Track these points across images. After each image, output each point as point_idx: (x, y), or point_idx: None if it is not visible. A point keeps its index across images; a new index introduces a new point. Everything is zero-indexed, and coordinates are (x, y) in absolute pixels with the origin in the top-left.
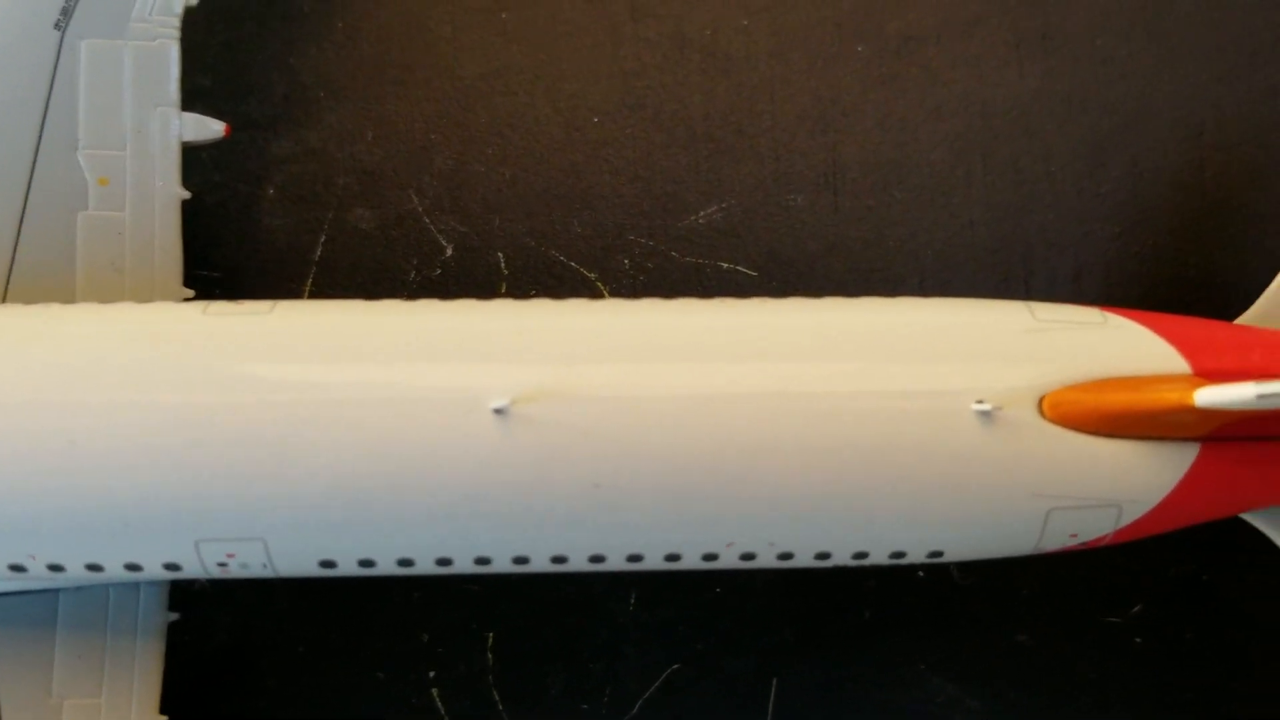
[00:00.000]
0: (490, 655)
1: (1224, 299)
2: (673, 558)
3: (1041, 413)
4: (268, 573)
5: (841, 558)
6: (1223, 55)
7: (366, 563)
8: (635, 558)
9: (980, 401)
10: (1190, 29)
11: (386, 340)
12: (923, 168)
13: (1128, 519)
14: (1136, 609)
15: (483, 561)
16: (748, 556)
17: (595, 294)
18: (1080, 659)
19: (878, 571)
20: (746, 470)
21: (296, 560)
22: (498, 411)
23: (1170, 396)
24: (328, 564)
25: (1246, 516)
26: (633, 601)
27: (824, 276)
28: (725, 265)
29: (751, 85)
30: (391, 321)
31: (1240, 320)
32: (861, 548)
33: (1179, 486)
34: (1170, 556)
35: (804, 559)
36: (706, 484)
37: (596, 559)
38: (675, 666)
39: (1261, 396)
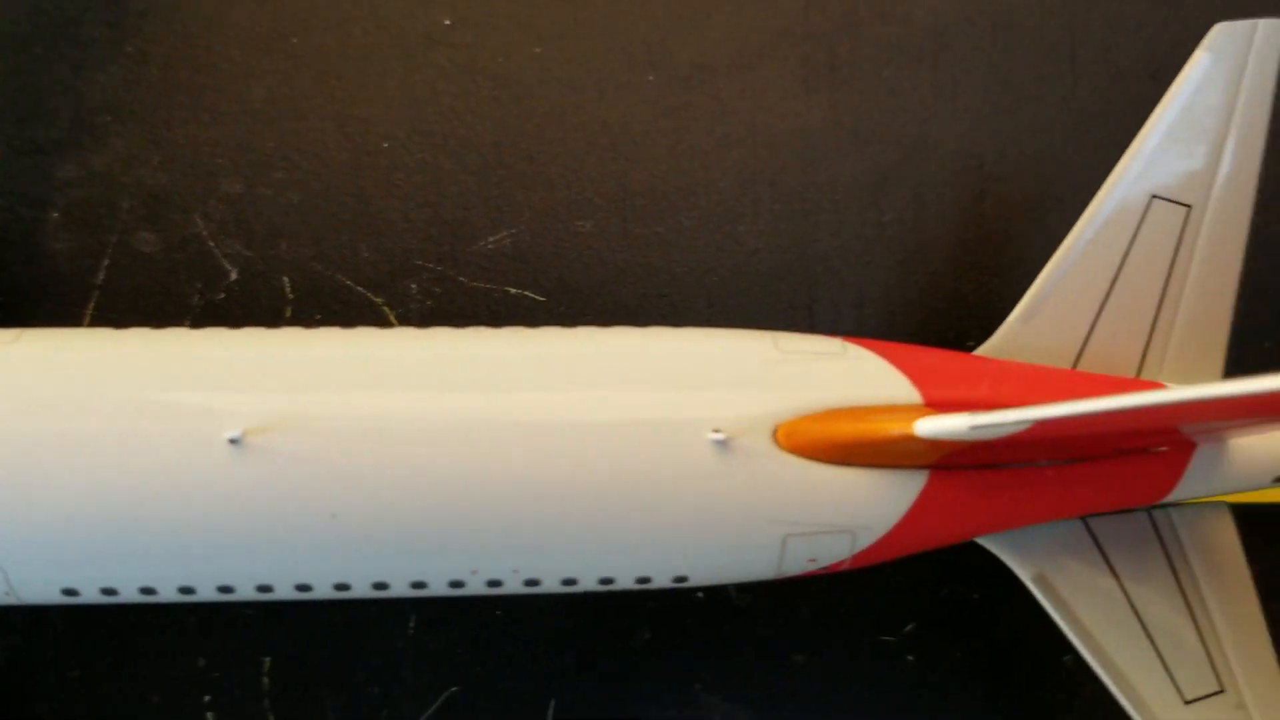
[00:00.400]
0: (267, 680)
1: (999, 324)
2: (419, 585)
3: (776, 441)
4: (11, 600)
5: (587, 583)
6: (1003, 90)
7: (109, 591)
8: (381, 585)
9: (716, 431)
10: (971, 64)
11: (131, 369)
12: (711, 195)
13: (862, 544)
14: (909, 627)
15: (262, 589)
16: (494, 583)
17: (382, 319)
18: (855, 677)
19: (659, 593)
20: (484, 499)
21: (38, 589)
22: (233, 441)
23: (894, 426)
24: (70, 592)
25: (982, 542)
26: (412, 625)
27: (613, 302)
28: (514, 291)
29: (542, 112)
30: (138, 350)
31: (978, 351)
32: (606, 574)
33: (909, 513)
34: (942, 577)
35: (550, 585)
36: (443, 512)
37: (342, 587)
38: (453, 689)
39: (974, 428)
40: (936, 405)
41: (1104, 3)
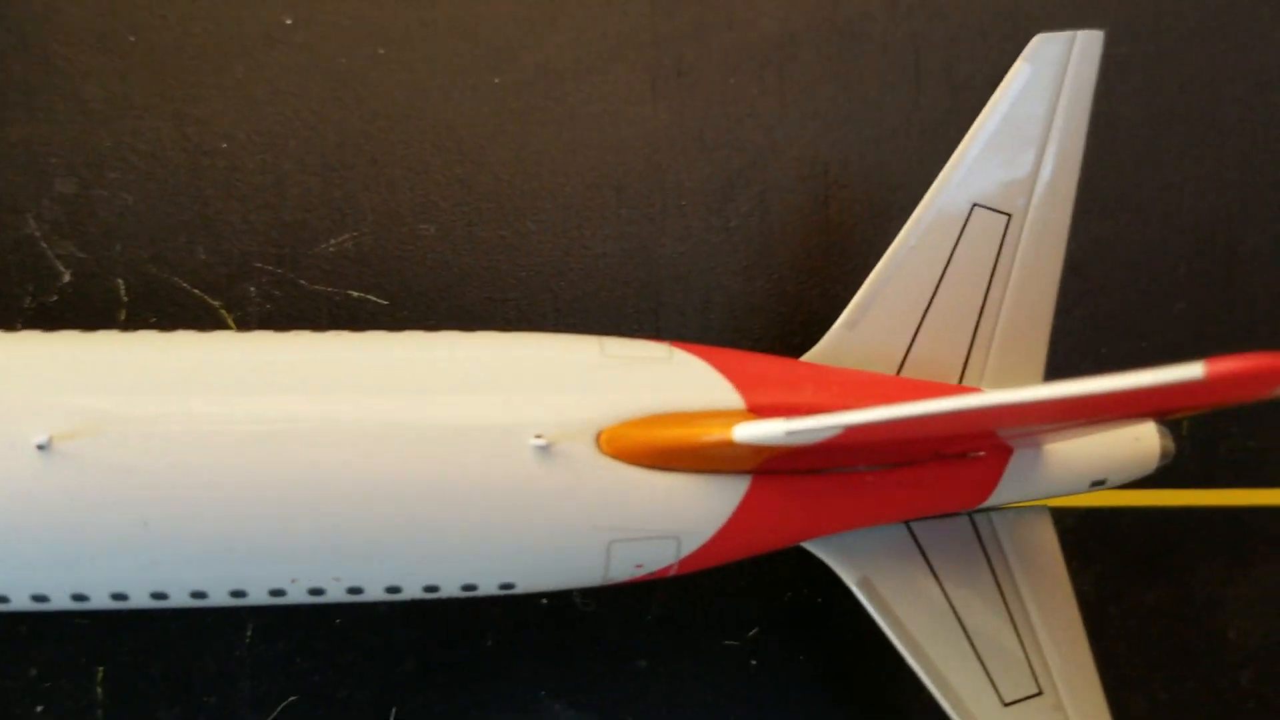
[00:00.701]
0: (100, 690)
1: None
2: (238, 594)
3: (599, 447)
4: None
5: (412, 591)
6: (848, 98)
7: None
8: (199, 594)
9: (538, 436)
10: (817, 72)
11: None
12: (557, 199)
13: (688, 549)
14: (753, 632)
15: (77, 598)
16: (316, 592)
17: (220, 323)
18: (698, 681)
19: (503, 600)
20: (300, 505)
21: None
22: (40, 447)
23: (714, 431)
24: None
25: (808, 546)
26: (249, 633)
27: (457, 306)
28: (356, 294)
29: (386, 114)
30: None
31: (805, 357)
32: (430, 581)
33: (733, 518)
34: (786, 582)
35: (374, 593)
36: (258, 519)
37: (159, 596)
38: (292, 699)
39: (790, 433)
40: (759, 411)
41: (947, 13)
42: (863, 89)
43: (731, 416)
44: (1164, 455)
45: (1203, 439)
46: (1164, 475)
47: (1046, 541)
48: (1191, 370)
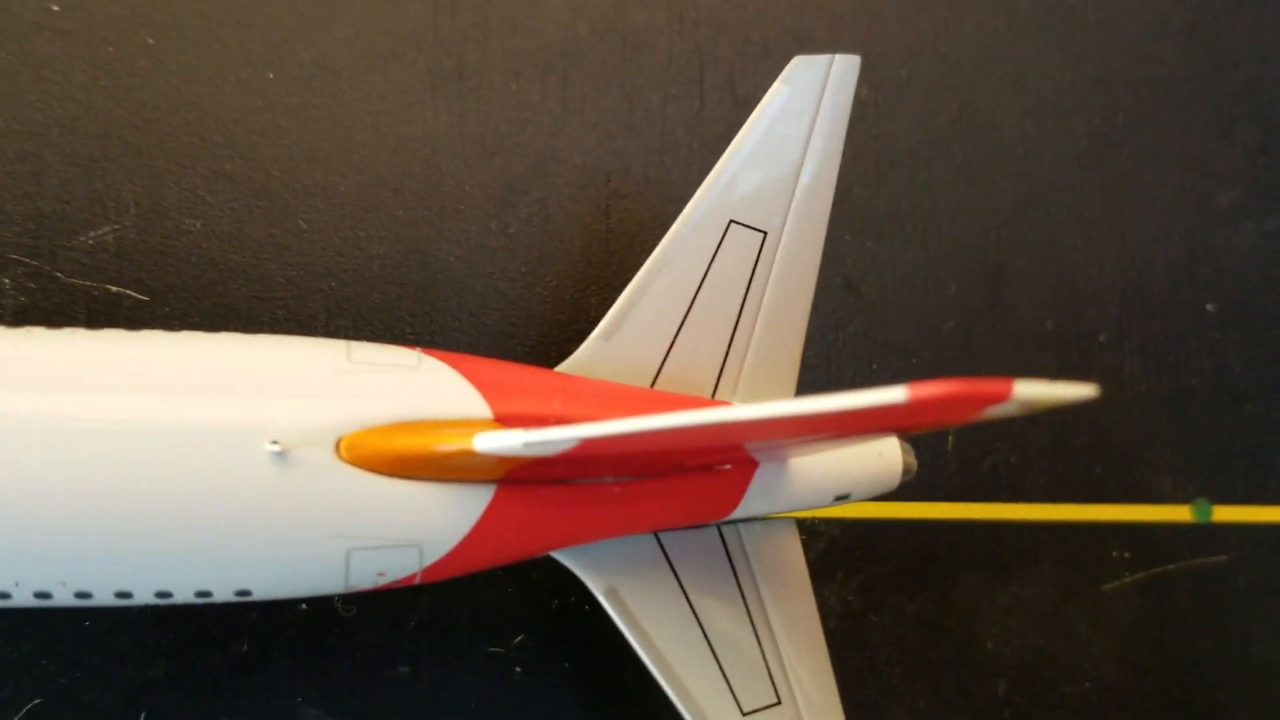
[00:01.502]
0: None
1: None
2: None
3: (339, 454)
4: None
5: (144, 597)
6: (630, 107)
7: None
8: None
9: (274, 442)
10: (600, 80)
11: None
12: (331, 198)
13: (431, 558)
14: (519, 639)
15: None
16: (42, 595)
17: None
18: (461, 688)
19: (259, 604)
20: (24, 506)
21: None
22: None
23: (454, 440)
24: None
25: (557, 556)
26: None
27: (222, 305)
28: (114, 289)
29: (153, 105)
30: None
31: (560, 367)
32: (162, 587)
33: (476, 527)
34: (554, 590)
35: (103, 598)
36: None
37: None
38: (37, 701)
39: (528, 444)
40: (506, 420)
41: (732, 27)
42: (646, 99)
43: (476, 426)
44: (906, 472)
45: (968, 454)
46: (929, 489)
47: (792, 553)
48: (895, 394)
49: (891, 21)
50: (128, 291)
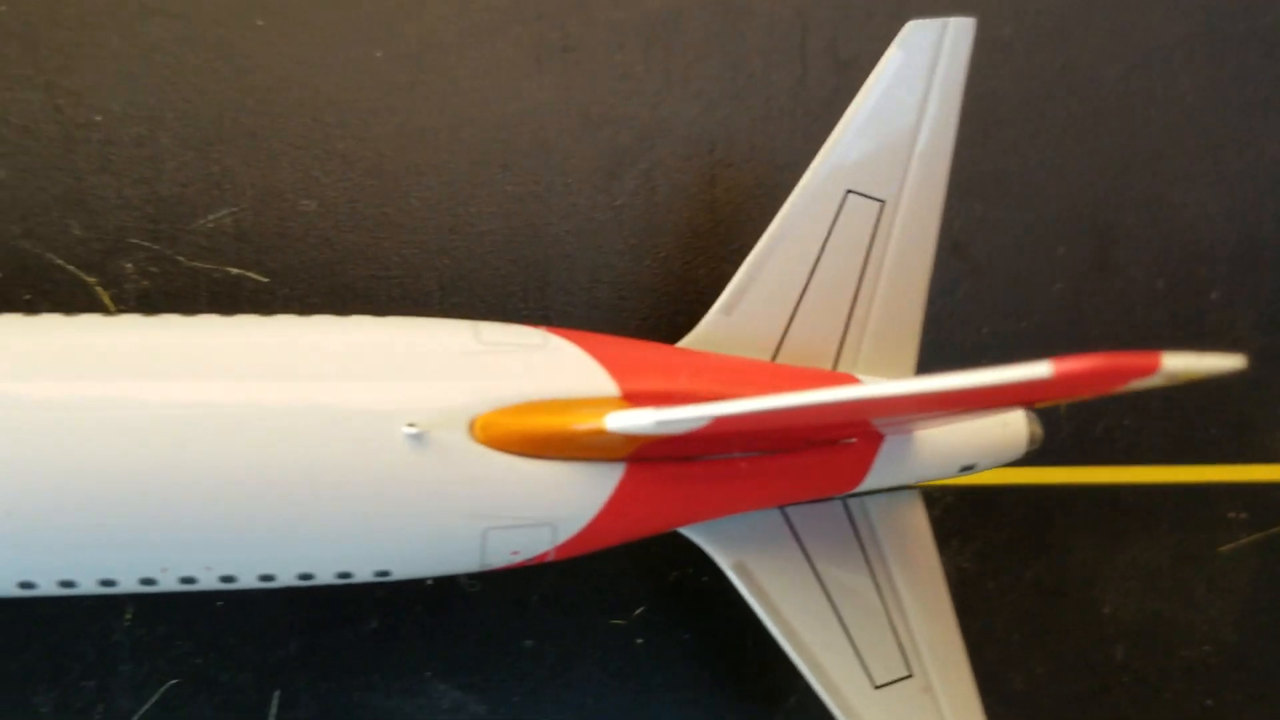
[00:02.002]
0: None
1: None
2: (108, 583)
3: (473, 435)
4: None
5: (286, 579)
6: (734, 75)
7: None
8: (68, 584)
9: (411, 425)
10: (703, 49)
11: None
12: (441, 176)
13: (564, 536)
14: (639, 611)
15: None
16: (187, 580)
17: (95, 300)
18: (584, 660)
19: (387, 582)
20: (169, 492)
21: None
22: None
23: (587, 420)
24: None
25: (685, 532)
26: (129, 617)
27: (339, 284)
28: (235, 271)
29: (265, 87)
30: None
31: (682, 342)
32: (303, 569)
33: (607, 505)
34: (673, 561)
35: (247, 580)
36: (125, 506)
37: (26, 585)
38: (173, 682)
39: (660, 423)
40: (633, 398)
41: None
42: (748, 66)
43: (605, 404)
44: (1032, 441)
45: (1081, 418)
46: (1043, 453)
47: (918, 524)
48: (1039, 370)
49: None
50: (248, 273)
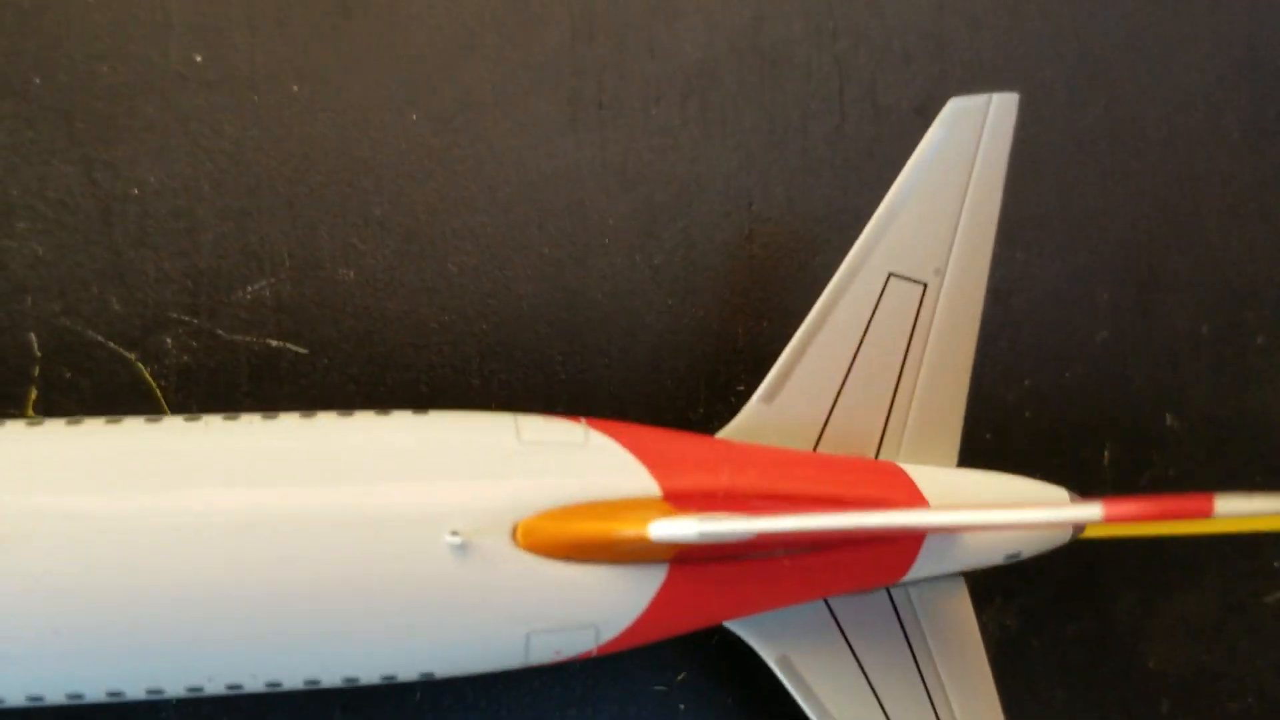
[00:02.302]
0: None
1: (768, 366)
2: (155, 691)
3: (515, 540)
4: None
5: (331, 683)
6: (770, 125)
7: None
8: (116, 693)
9: (454, 533)
10: (736, 99)
11: None
12: (479, 240)
13: (607, 636)
14: (681, 676)
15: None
16: (234, 686)
17: (136, 376)
18: None
19: None
20: (216, 602)
21: None
22: None
23: (630, 527)
24: None
25: (728, 625)
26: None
27: (379, 353)
28: (275, 343)
29: (300, 154)
30: None
31: (723, 432)
32: (350, 674)
33: (651, 606)
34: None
35: (293, 685)
36: (171, 619)
37: (75, 696)
38: None
39: (704, 534)
40: (674, 497)
41: (872, 36)
42: (786, 117)
43: (647, 507)
44: (1078, 528)
45: (1124, 469)
46: None
47: (962, 612)
48: (1090, 511)
49: (1033, 18)
50: (288, 345)
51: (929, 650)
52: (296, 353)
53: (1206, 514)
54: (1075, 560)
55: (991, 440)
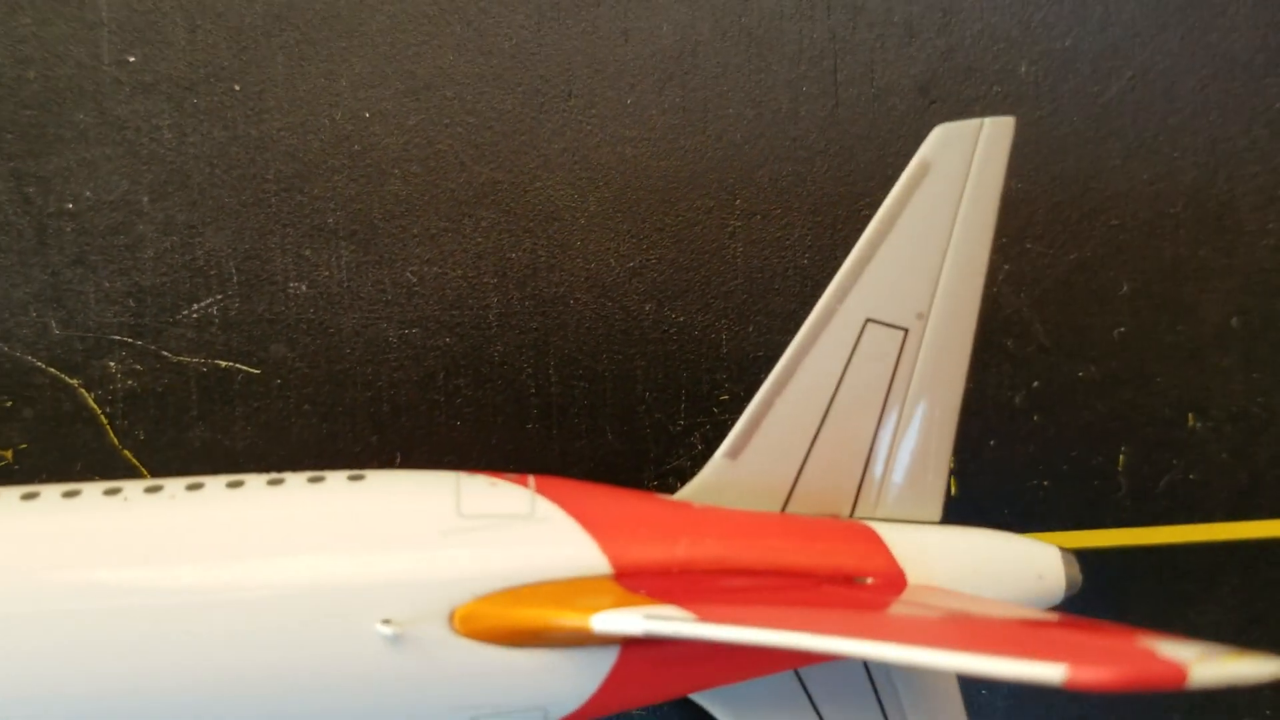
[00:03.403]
0: None
1: (752, 374)
2: None
3: (453, 627)
4: None
5: None
6: (756, 112)
7: None
8: None
9: (386, 621)
10: (720, 87)
11: None
12: (441, 245)
13: (556, 717)
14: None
15: None
16: None
17: (79, 403)
18: None
19: None
20: (134, 693)
21: None
22: None
23: (572, 618)
24: None
25: (693, 697)
26: None
27: (335, 371)
28: (224, 364)
29: (247, 160)
30: None
31: (683, 492)
32: None
33: (601, 689)
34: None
35: None
36: (91, 709)
37: None
38: None
39: (649, 631)
40: (626, 575)
41: (870, 7)
42: (775, 102)
43: (595, 591)
44: (1071, 586)
45: (1140, 473)
46: (1096, 515)
47: (943, 681)
48: (1050, 672)
49: None
50: (238, 365)
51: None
52: (248, 373)
53: (1179, 685)
54: (1086, 573)
55: (995, 449)
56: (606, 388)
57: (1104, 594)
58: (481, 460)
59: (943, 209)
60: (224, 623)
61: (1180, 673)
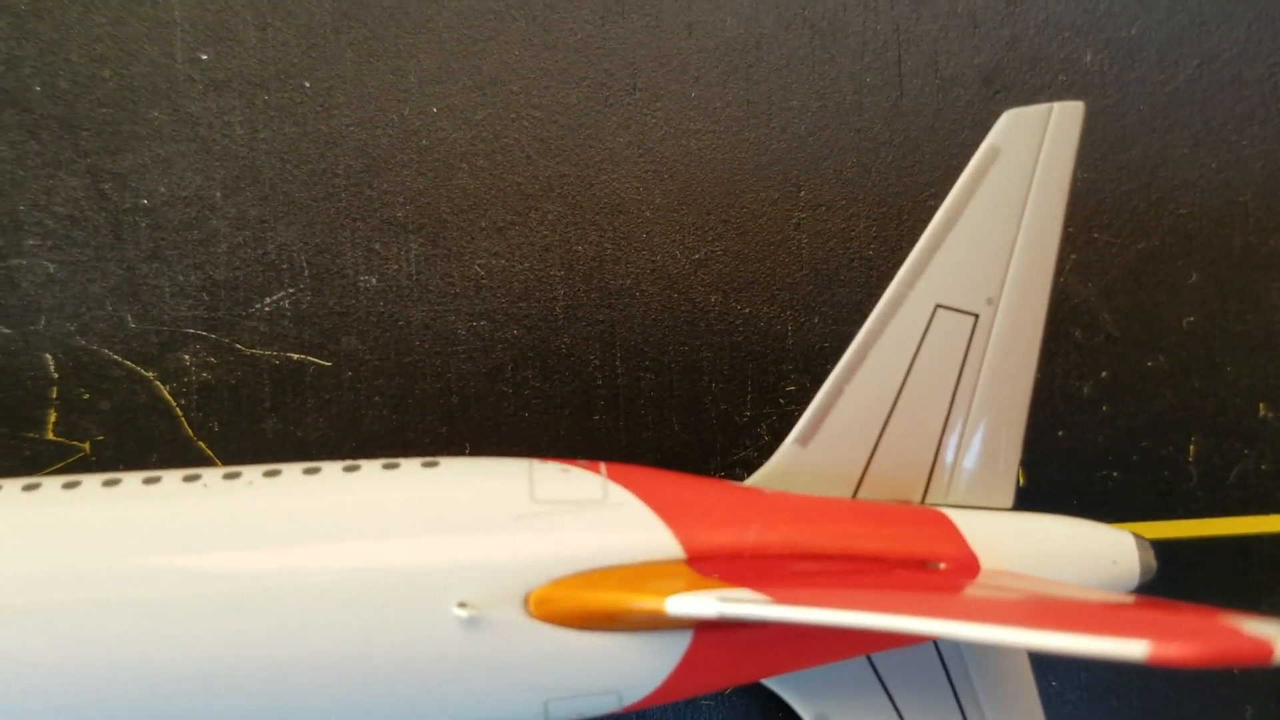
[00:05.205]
0: None
1: (818, 365)
2: None
3: (528, 610)
4: None
5: None
6: (821, 104)
7: None
8: None
9: (462, 605)
10: (784, 79)
11: None
12: (509, 238)
13: (629, 700)
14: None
15: None
16: None
17: (155, 395)
18: None
19: None
20: (221, 679)
21: None
22: None
23: (646, 601)
24: None
25: (765, 682)
26: None
27: (404, 363)
28: (295, 357)
29: (317, 155)
30: None
31: (753, 478)
32: None
33: (675, 673)
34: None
35: None
36: (170, 697)
37: None
38: None
39: (723, 614)
40: (698, 559)
41: (932, 1)
42: (839, 94)
43: (668, 574)
44: (1145, 573)
45: (1212, 464)
46: (1167, 506)
47: (1016, 665)
48: (1133, 648)
49: None
50: (310, 358)
51: (980, 709)
52: (319, 365)
53: (1266, 660)
54: (1160, 564)
55: (1064, 439)
56: (673, 379)
57: (1175, 585)
58: (549, 451)
59: (1013, 193)
60: (302, 606)
61: (1267, 648)
